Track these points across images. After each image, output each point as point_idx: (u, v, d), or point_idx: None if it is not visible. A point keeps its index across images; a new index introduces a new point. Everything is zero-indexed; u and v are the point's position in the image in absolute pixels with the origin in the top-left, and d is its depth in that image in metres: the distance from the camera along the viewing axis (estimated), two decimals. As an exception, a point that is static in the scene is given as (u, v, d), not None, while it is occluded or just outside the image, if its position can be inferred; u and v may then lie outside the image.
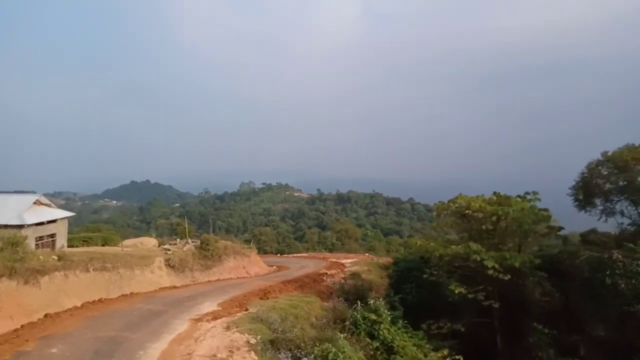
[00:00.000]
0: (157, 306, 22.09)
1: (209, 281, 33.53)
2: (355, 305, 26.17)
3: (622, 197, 27.16)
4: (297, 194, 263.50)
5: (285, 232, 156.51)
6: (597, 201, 28.41)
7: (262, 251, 62.15)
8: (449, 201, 29.78)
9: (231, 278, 36.24)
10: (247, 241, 58.05)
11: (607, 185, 27.67)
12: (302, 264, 49.05)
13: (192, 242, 37.85)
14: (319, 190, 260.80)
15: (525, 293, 25.82)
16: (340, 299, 28.77)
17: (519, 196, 27.89)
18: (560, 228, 29.11)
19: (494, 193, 28.24)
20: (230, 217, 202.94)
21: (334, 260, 52.11)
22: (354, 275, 38.78)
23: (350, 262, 51.52)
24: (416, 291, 29.77)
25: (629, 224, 27.75)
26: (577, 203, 29.36)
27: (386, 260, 56.67)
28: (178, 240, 40.27)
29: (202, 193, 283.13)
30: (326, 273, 40.19)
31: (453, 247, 25.90)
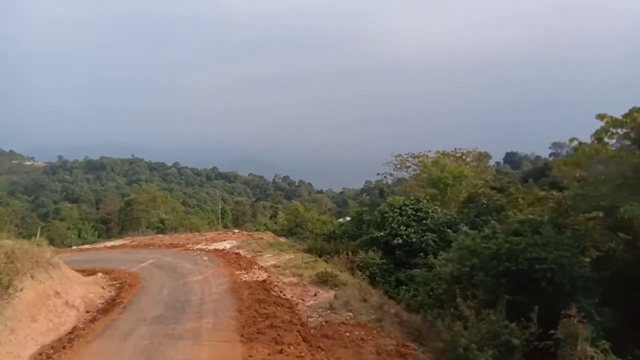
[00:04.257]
0: None
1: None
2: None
3: None
4: (28, 163, 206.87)
5: (23, 210, 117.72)
6: None
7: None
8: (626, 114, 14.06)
9: (64, 338, 12.31)
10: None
11: None
12: (153, 258, 25.17)
13: None
14: (60, 157, 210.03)
15: None
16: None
17: None
18: None
19: None
20: None
21: (212, 248, 29.92)
22: (326, 277, 19.03)
23: (230, 246, 30.82)
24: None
25: None
26: None
27: (271, 236, 37.80)
28: None
29: None
30: (264, 281, 19.40)
31: None
